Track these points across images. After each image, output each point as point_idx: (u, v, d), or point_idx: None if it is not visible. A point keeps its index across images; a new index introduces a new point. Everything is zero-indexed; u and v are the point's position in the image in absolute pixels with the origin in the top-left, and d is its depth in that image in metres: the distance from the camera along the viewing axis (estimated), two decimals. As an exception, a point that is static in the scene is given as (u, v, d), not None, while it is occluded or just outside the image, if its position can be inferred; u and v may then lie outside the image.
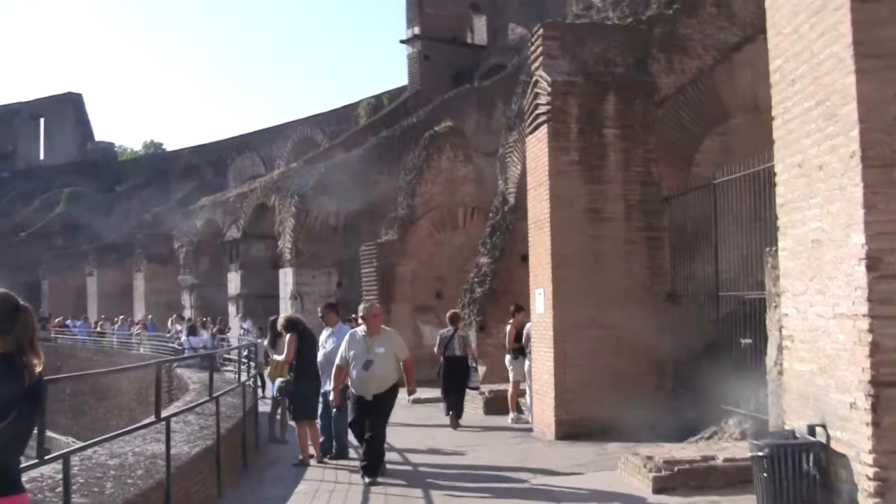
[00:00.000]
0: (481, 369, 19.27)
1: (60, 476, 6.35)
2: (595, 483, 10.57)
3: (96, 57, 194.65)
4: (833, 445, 7.39)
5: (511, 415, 16.59)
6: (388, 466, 11.76)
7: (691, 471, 9.50)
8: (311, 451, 12.67)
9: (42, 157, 79.69)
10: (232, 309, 38.26)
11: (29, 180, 73.34)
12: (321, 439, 12.80)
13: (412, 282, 26.40)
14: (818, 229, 7.53)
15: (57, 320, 46.04)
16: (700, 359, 13.40)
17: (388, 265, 26.26)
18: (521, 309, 16.57)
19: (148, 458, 8.54)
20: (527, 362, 16.01)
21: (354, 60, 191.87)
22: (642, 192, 14.59)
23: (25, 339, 4.39)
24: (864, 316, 6.82)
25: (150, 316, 41.20)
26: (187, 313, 40.80)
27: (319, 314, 13.83)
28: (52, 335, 43.39)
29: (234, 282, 38.52)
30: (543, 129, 14.44)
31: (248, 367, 15.97)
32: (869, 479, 6.81)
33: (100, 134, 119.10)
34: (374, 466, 10.96)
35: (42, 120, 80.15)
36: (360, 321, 11.64)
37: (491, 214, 22.42)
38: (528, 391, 16.21)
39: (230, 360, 22.86)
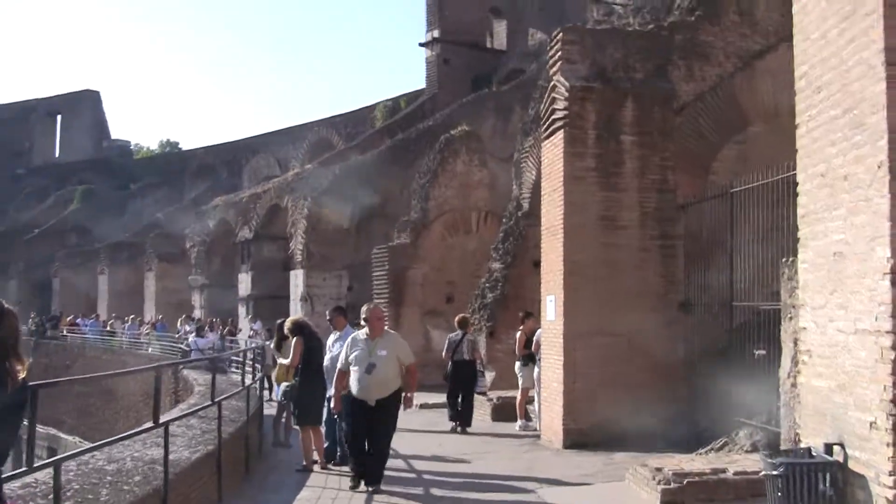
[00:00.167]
0: (490, 375, 19.15)
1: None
2: (602, 494, 10.43)
3: (114, 54, 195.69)
4: (851, 465, 7.15)
5: (519, 422, 16.42)
6: (394, 473, 11.59)
7: (701, 483, 9.31)
8: (315, 456, 12.47)
9: (58, 154, 79.92)
10: (242, 310, 38.15)
11: (44, 177, 73.52)
12: (325, 445, 12.60)
13: (423, 285, 26.28)
14: (841, 241, 7.29)
15: (68, 319, 45.98)
16: (712, 369, 13.19)
17: (400, 269, 26.15)
18: (531, 315, 16.46)
19: (147, 464, 8.37)
20: (536, 369, 15.82)
21: (373, 63, 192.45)
22: (658, 200, 14.42)
23: (9, 345, 4.23)
24: (887, 332, 6.59)
25: (160, 316, 41.11)
26: (197, 314, 40.72)
27: (328, 317, 13.65)
28: (64, 333, 43.41)
29: (244, 283, 38.42)
30: (560, 135, 14.28)
31: (255, 370, 15.79)
32: (889, 501, 6.58)
33: (116, 132, 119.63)
34: (377, 475, 10.73)
35: (59, 117, 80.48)
36: (362, 323, 11.29)
37: (504, 220, 22.29)
38: (536, 398, 16.02)
39: (237, 361, 22.72)
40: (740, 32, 15.22)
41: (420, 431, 16.24)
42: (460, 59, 46.58)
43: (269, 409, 16.40)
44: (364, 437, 10.74)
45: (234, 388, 14.58)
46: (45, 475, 6.66)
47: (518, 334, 16.85)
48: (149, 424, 8.67)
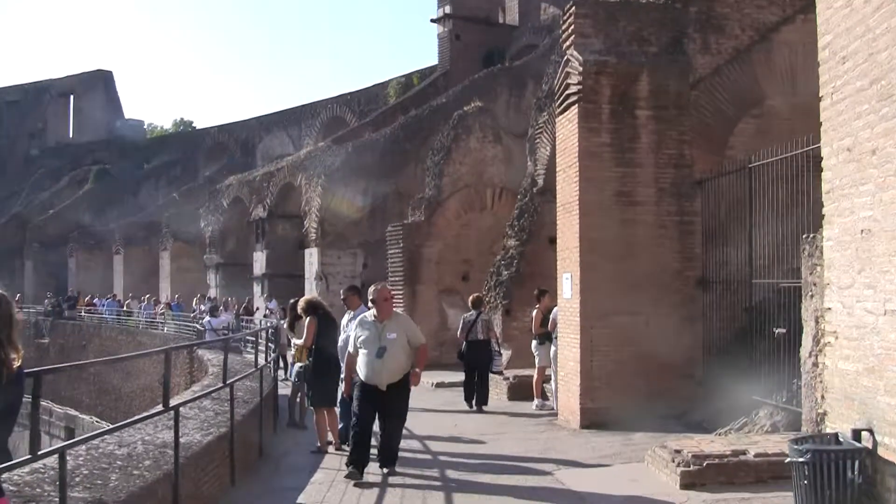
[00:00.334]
0: (506, 353, 19.04)
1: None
2: (621, 476, 10.27)
3: (127, 34, 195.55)
4: (880, 452, 6.96)
5: (535, 401, 16.31)
6: (409, 455, 11.49)
7: (721, 466, 9.16)
8: (330, 437, 12.36)
9: (71, 134, 80.00)
10: (257, 289, 38.12)
11: (58, 158, 73.71)
12: (340, 426, 12.46)
13: (438, 263, 26.12)
14: (869, 218, 7.06)
15: (86, 299, 46.08)
16: (731, 347, 13.05)
17: (415, 246, 26.02)
18: (546, 292, 16.32)
19: (158, 448, 8.24)
20: (553, 348, 15.67)
21: (386, 40, 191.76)
22: (675, 176, 14.25)
23: (3, 334, 4.09)
24: (919, 313, 6.37)
25: (177, 295, 41.15)
26: (212, 293, 40.75)
27: (342, 297, 13.48)
28: (82, 314, 43.52)
29: (259, 261, 38.37)
30: (574, 110, 14.09)
31: (269, 350, 15.66)
32: (920, 489, 6.38)
33: (130, 112, 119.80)
34: (391, 456, 10.57)
35: (72, 97, 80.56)
36: (370, 305, 10.89)
37: (519, 196, 22.14)
38: (553, 377, 15.88)
39: (252, 341, 22.68)
40: (757, 4, 14.94)
41: (436, 411, 16.13)
42: (472, 34, 46.36)
43: (284, 389, 16.28)
44: (371, 426, 10.47)
45: (248, 368, 14.47)
46: (54, 461, 6.54)
47: (534, 312, 16.71)
48: (159, 408, 8.53)
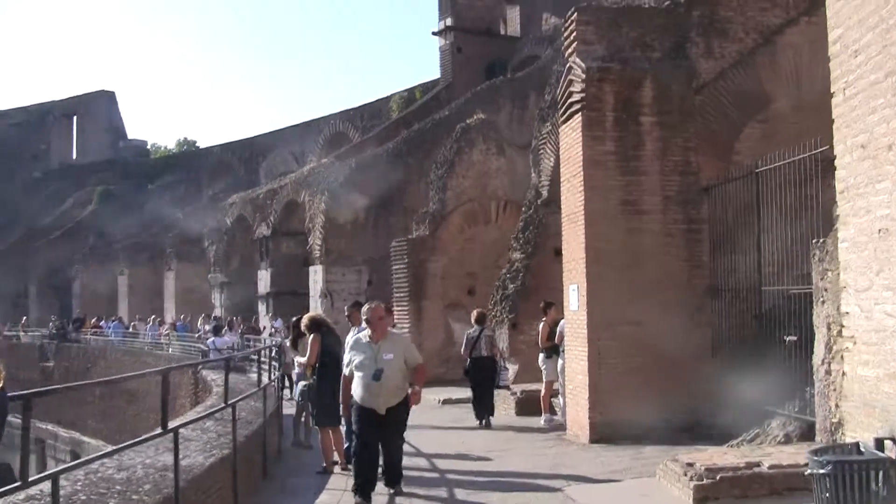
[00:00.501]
0: (512, 368, 18.86)
1: (63, 492, 5.95)
2: (633, 491, 10.07)
3: (129, 54, 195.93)
4: (905, 462, 6.67)
5: (544, 416, 16.08)
6: (416, 474, 11.28)
7: (735, 479, 8.89)
8: (336, 457, 12.13)
9: (75, 155, 80.00)
10: (262, 307, 37.97)
11: (62, 179, 73.62)
12: (346, 445, 12.21)
13: (444, 278, 25.97)
14: (886, 217, 6.84)
15: (92, 321, 45.94)
16: (741, 356, 12.80)
17: (419, 261, 25.88)
18: (552, 305, 16.12)
19: (158, 471, 8.02)
20: (560, 361, 15.44)
21: (388, 54, 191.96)
22: (680, 183, 14.05)
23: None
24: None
25: (182, 315, 40.96)
26: (217, 312, 40.58)
27: (346, 313, 13.28)
28: (88, 336, 43.39)
29: (263, 280, 38.26)
30: (577, 118, 13.92)
31: (272, 369, 15.44)
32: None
33: (133, 132, 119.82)
34: (395, 476, 10.29)
35: (75, 118, 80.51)
36: (363, 325, 10.48)
37: (524, 208, 21.95)
38: (561, 391, 15.64)
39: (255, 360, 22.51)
40: (760, 6, 14.79)
41: (442, 428, 15.96)
42: (474, 47, 46.41)
43: (289, 409, 16.07)
44: (375, 449, 10.09)
45: (253, 387, 14.25)
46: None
47: (541, 325, 16.48)
48: (157, 431, 8.31)
